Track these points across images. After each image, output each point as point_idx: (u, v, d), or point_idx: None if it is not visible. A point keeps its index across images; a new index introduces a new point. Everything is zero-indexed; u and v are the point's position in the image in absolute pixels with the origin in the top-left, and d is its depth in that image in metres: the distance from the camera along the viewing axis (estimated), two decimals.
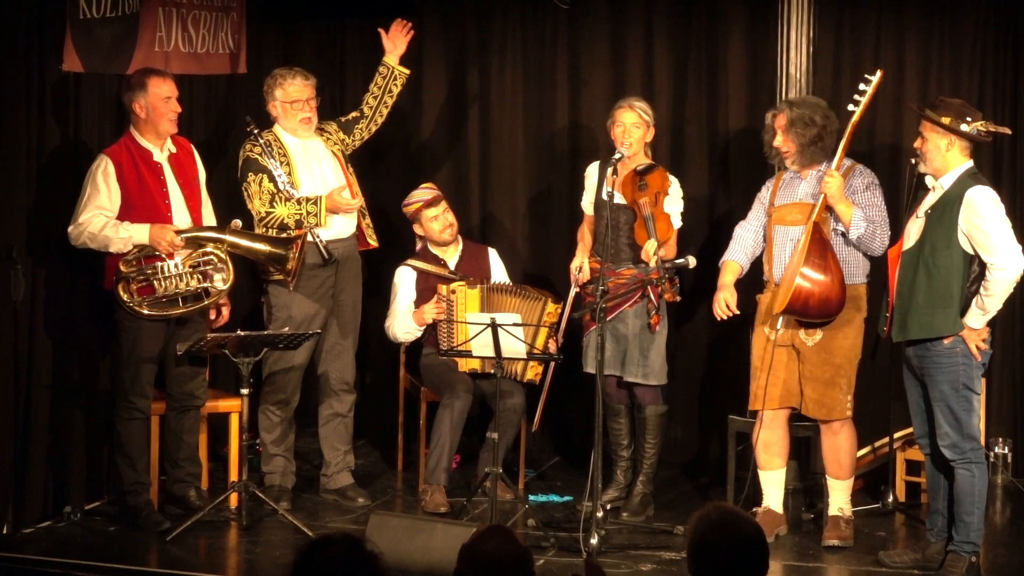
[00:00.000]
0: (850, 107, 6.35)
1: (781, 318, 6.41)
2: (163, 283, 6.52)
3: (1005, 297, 5.91)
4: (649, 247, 6.74)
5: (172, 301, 6.55)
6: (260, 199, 6.89)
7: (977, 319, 5.90)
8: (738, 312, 6.56)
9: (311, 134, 7.07)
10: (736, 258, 6.67)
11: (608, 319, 6.65)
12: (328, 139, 7.15)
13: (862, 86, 6.35)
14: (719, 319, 6.60)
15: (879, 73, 6.38)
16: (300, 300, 6.96)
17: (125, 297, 6.49)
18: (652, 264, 6.73)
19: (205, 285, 6.58)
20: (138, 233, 6.46)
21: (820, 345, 6.43)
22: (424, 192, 7.38)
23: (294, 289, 6.83)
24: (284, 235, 6.80)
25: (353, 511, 7.00)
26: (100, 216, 6.43)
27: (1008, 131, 6.28)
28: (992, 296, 5.86)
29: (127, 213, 6.48)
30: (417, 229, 7.42)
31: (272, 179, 6.89)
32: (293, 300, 6.95)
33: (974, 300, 5.88)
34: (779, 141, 6.52)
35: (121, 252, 6.46)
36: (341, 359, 7.17)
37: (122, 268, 6.47)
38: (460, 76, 8.26)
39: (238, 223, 6.71)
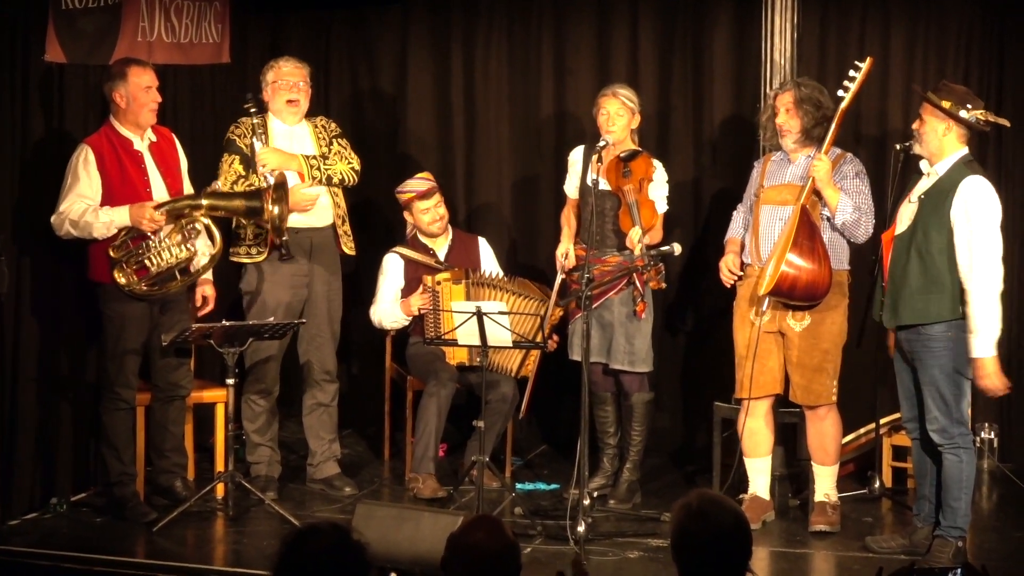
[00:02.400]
0: (840, 92, 6.35)
1: (767, 300, 6.41)
2: (154, 260, 6.50)
3: (992, 309, 5.78)
4: (634, 235, 6.73)
5: (168, 276, 6.54)
6: (225, 178, 6.90)
7: (981, 345, 5.79)
8: (741, 274, 6.54)
9: (297, 119, 7.05)
10: (740, 235, 6.70)
11: (594, 307, 6.65)
12: (315, 127, 7.13)
13: (852, 72, 6.34)
14: (727, 284, 6.59)
15: (868, 60, 6.38)
16: (271, 287, 6.95)
17: (123, 281, 6.46)
18: (637, 252, 6.72)
19: (195, 253, 6.57)
20: (119, 216, 6.43)
21: (808, 331, 6.43)
22: (419, 183, 7.34)
23: (283, 248, 6.78)
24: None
25: (340, 500, 7.00)
26: (81, 203, 6.40)
27: (1007, 123, 6.23)
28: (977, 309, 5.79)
29: (108, 202, 6.45)
30: (408, 217, 7.41)
31: (244, 161, 6.88)
32: (264, 287, 6.95)
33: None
34: (783, 119, 6.48)
35: (105, 237, 6.44)
36: (322, 349, 7.16)
37: (112, 254, 6.45)
38: (446, 64, 8.24)
39: (217, 184, 6.74)
